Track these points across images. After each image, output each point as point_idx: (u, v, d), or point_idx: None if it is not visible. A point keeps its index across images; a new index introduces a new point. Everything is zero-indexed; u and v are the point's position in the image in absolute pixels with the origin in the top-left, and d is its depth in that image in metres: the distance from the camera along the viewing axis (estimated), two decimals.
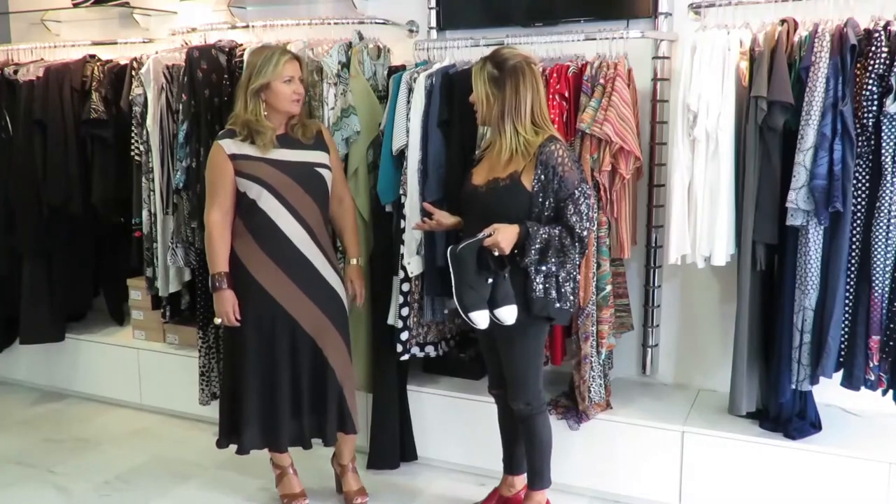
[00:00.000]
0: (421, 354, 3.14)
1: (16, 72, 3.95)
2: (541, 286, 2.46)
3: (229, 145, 2.69)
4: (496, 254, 2.40)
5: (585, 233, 2.44)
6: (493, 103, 2.46)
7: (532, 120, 2.47)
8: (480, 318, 2.43)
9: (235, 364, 2.79)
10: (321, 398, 2.80)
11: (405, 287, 3.02)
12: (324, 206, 2.81)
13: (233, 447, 2.85)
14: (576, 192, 2.42)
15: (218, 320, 2.75)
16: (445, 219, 2.63)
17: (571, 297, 2.53)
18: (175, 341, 3.89)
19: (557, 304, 2.49)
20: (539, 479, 2.70)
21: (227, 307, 2.69)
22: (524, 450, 2.73)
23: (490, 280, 2.43)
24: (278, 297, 2.72)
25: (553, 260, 2.44)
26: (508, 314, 2.45)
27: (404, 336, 3.05)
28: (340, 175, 2.93)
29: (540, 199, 2.43)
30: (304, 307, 2.75)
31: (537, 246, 2.40)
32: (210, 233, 2.70)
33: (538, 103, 2.48)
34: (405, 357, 3.07)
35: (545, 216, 2.45)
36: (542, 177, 2.42)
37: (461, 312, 2.44)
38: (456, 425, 3.19)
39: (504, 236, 2.37)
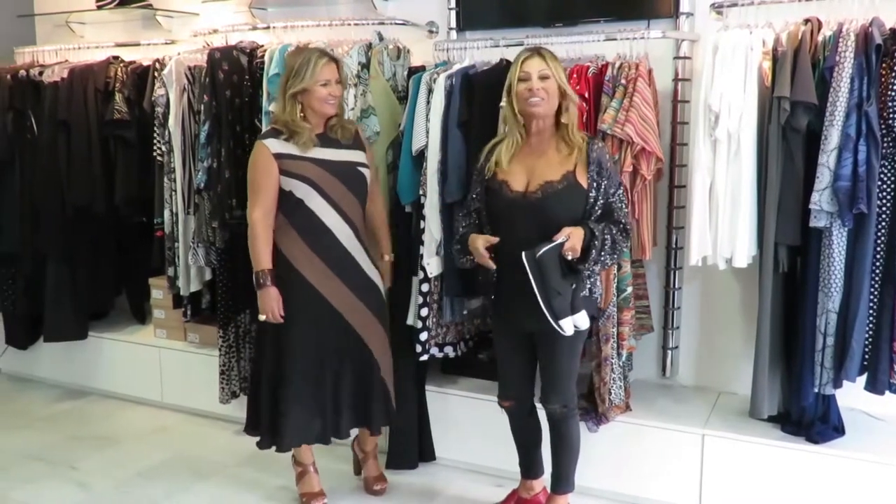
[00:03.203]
0: (440, 355, 3.14)
1: (41, 73, 4.00)
2: (587, 286, 2.48)
3: (274, 145, 2.72)
4: (570, 257, 2.34)
5: (630, 226, 2.51)
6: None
7: None
8: (568, 325, 2.38)
9: (279, 361, 2.78)
10: (368, 390, 2.83)
11: (424, 287, 3.02)
12: (364, 203, 2.84)
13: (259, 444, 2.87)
14: (621, 188, 2.49)
15: (262, 317, 2.74)
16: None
17: (598, 287, 2.56)
18: (196, 340, 3.91)
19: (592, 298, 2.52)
20: (565, 483, 2.70)
21: (272, 304, 2.70)
22: (553, 452, 2.69)
23: (574, 285, 2.39)
24: (324, 293, 2.75)
25: (609, 257, 2.43)
26: (584, 320, 2.42)
27: (423, 336, 3.05)
28: (375, 174, 2.95)
29: (592, 197, 2.43)
30: (348, 301, 2.78)
31: (607, 246, 2.38)
32: (254, 231, 2.72)
33: None
34: (424, 357, 3.08)
35: (595, 213, 2.44)
36: (596, 174, 2.43)
37: (550, 320, 2.35)
38: (474, 426, 3.19)
39: (578, 239, 2.34)
